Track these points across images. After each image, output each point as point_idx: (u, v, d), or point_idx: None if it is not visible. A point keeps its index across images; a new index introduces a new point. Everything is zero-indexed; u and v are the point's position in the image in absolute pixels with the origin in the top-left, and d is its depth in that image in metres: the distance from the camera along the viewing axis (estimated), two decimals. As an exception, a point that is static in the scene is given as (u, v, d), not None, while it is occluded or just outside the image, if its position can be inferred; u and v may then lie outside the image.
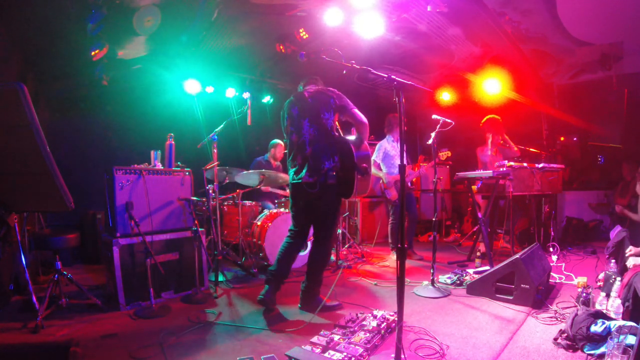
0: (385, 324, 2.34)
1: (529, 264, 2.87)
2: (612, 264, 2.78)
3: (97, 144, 4.88)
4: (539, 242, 4.03)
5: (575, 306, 2.71)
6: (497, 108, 5.75)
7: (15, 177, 2.24)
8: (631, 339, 1.85)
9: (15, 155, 2.14)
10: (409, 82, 2.09)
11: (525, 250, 3.08)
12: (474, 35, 5.00)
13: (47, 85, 4.61)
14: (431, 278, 3.27)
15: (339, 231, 4.45)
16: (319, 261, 2.81)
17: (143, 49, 4.53)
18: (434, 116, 3.54)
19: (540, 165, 4.38)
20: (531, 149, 5.13)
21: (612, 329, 2.01)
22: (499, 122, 4.78)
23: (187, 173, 3.32)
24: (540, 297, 2.82)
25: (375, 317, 2.46)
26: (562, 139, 6.98)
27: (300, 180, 2.72)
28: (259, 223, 4.09)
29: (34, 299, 2.53)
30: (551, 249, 4.42)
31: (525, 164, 4.28)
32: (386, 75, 2.01)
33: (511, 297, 2.88)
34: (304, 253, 3.89)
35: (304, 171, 2.72)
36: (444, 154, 4.53)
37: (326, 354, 1.99)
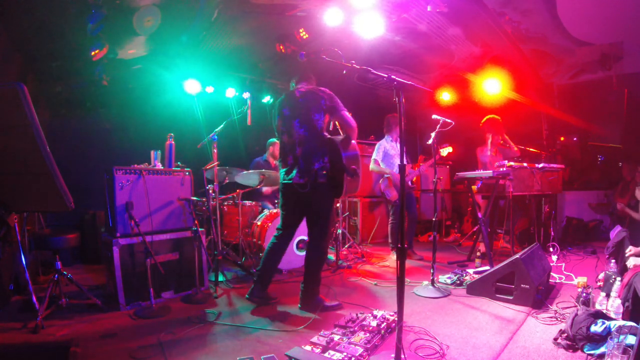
0: (385, 324, 2.34)
1: (529, 264, 2.87)
2: (612, 264, 2.78)
3: (97, 144, 4.88)
4: (539, 242, 4.03)
5: (575, 306, 2.71)
6: (497, 108, 5.75)
7: (15, 177, 2.24)
8: (631, 339, 1.85)
9: (15, 155, 2.14)
10: (409, 82, 2.09)
11: (525, 250, 3.08)
12: (474, 35, 5.01)
13: (47, 85, 4.61)
14: (431, 278, 3.27)
15: (339, 231, 4.45)
16: (315, 261, 2.81)
17: (143, 49, 4.53)
18: (434, 116, 3.54)
19: (540, 165, 4.38)
20: (531, 149, 5.13)
21: (612, 329, 2.01)
22: (498, 122, 4.78)
23: (187, 173, 3.32)
24: (540, 297, 2.82)
25: (375, 317, 2.46)
26: (562, 139, 6.99)
27: (290, 181, 2.76)
28: (259, 223, 4.09)
29: (34, 299, 2.52)
30: (551, 249, 4.42)
31: (525, 164, 4.28)
32: (386, 75, 2.01)
33: (511, 297, 2.88)
34: (304, 253, 3.89)
35: (295, 172, 2.75)
36: (446, 150, 4.53)
37: (326, 354, 1.99)
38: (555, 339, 2.18)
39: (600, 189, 6.29)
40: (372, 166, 4.59)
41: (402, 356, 1.79)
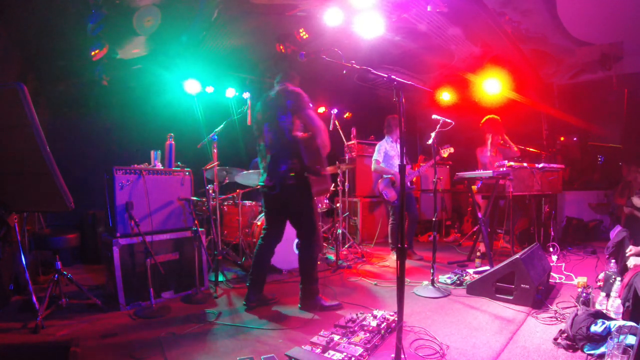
0: (385, 324, 2.34)
1: (529, 264, 2.87)
2: (612, 264, 2.78)
3: (97, 144, 4.88)
4: (539, 242, 4.03)
5: (575, 306, 2.71)
6: (497, 108, 5.75)
7: (15, 177, 2.24)
8: (631, 339, 1.85)
9: (15, 155, 2.14)
10: (409, 82, 2.09)
11: (525, 250, 3.08)
12: (474, 35, 5.01)
13: (47, 85, 4.61)
14: (431, 278, 3.27)
15: (339, 231, 4.45)
16: (306, 260, 2.83)
17: (143, 49, 4.53)
18: (434, 116, 3.54)
19: (540, 165, 4.38)
20: (531, 149, 5.13)
21: (612, 329, 2.01)
22: (498, 122, 4.78)
23: (187, 173, 3.32)
24: (540, 297, 2.82)
25: (375, 317, 2.46)
26: (562, 139, 6.99)
27: (263, 184, 2.83)
28: (258, 223, 4.08)
29: (34, 299, 2.52)
30: (551, 249, 4.42)
31: (525, 164, 4.28)
32: (386, 75, 2.01)
33: (511, 297, 2.88)
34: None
35: (265, 175, 2.84)
36: (447, 151, 4.53)
37: (326, 354, 1.99)
38: (555, 339, 2.19)
39: (600, 189, 6.30)
40: (373, 166, 4.59)
41: (402, 356, 1.79)
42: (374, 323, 2.34)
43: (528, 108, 6.20)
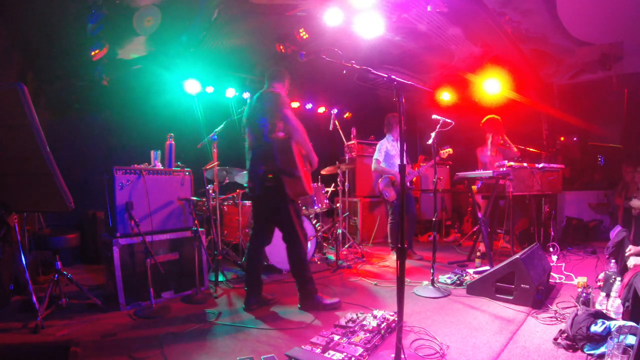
0: (385, 324, 2.34)
1: (529, 264, 2.87)
2: (612, 264, 2.78)
3: (97, 144, 4.88)
4: (539, 242, 4.03)
5: (575, 306, 2.71)
6: (497, 108, 5.76)
7: (15, 177, 2.24)
8: (631, 339, 1.85)
9: (15, 155, 2.14)
10: (409, 82, 2.09)
11: (525, 250, 3.08)
12: (474, 35, 5.01)
13: (47, 85, 4.61)
14: (431, 278, 3.27)
15: (339, 231, 4.45)
16: (294, 261, 2.84)
17: (143, 49, 4.53)
18: (434, 116, 3.54)
19: (540, 165, 4.38)
20: (531, 149, 5.13)
21: (612, 329, 2.01)
22: (498, 122, 4.78)
23: (187, 173, 3.32)
24: (540, 297, 2.82)
25: (375, 317, 2.46)
26: (562, 139, 6.99)
27: (245, 186, 2.88)
28: (259, 223, 4.09)
29: (34, 299, 2.52)
30: (551, 249, 4.42)
31: (525, 164, 4.28)
32: (386, 75, 2.01)
33: (511, 297, 2.88)
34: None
35: (247, 177, 2.92)
36: (446, 152, 4.53)
37: (326, 354, 1.99)
38: (555, 339, 2.19)
39: (601, 189, 6.30)
40: (374, 166, 4.58)
41: (402, 356, 1.79)
42: (374, 323, 2.34)
43: (528, 108, 6.20)
